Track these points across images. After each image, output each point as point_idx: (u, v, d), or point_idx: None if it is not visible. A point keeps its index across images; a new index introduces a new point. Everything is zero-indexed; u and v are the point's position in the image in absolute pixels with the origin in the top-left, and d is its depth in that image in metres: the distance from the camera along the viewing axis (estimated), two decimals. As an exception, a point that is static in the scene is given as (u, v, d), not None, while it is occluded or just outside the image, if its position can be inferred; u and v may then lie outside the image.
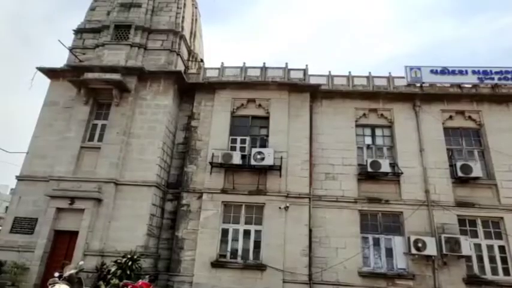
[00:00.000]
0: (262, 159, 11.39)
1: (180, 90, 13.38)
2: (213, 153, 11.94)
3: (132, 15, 13.92)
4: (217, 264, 10.85)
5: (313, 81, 13.23)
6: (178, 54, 13.60)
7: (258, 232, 11.28)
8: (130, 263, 9.45)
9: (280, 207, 11.27)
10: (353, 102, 13.02)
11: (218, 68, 13.80)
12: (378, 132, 12.96)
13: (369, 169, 11.60)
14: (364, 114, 12.96)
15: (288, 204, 11.29)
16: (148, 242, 10.91)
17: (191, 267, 10.93)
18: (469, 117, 12.75)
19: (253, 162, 11.49)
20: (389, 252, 11.25)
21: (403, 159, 12.12)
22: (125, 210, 10.94)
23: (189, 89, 13.43)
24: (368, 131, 12.97)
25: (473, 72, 13.10)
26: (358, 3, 54.21)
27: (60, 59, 47.37)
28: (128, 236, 10.57)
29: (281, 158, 11.65)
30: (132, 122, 12.19)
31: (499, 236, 11.20)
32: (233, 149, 12.13)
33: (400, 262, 11.07)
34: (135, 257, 9.65)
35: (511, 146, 12.00)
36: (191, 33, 15.81)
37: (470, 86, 13.12)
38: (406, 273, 10.84)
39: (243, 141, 12.24)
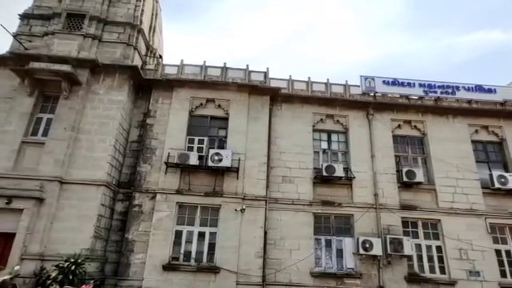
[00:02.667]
0: (220, 160, 11.29)
1: (136, 86, 12.85)
2: (169, 153, 11.60)
3: (87, 4, 13.11)
4: (170, 267, 10.53)
5: (273, 84, 13.40)
6: (135, 49, 13.06)
7: (213, 234, 11.14)
8: (73, 267, 8.83)
9: (236, 209, 11.23)
10: (311, 107, 13.37)
11: (177, 65, 13.45)
12: (334, 137, 13.43)
13: (324, 173, 11.98)
14: (322, 120, 13.36)
15: (244, 207, 11.29)
16: (95, 245, 10.29)
17: (141, 270, 10.50)
18: (415, 126, 13.66)
19: (210, 163, 11.34)
20: (339, 253, 11.68)
21: (356, 164, 12.67)
22: (70, 211, 10.22)
23: (146, 85, 12.93)
24: (324, 136, 13.40)
25: (420, 85, 14.09)
26: (323, 13, 56.10)
27: (2, 46, 43.33)
28: (72, 238, 9.89)
29: (239, 159, 11.63)
30: (82, 116, 11.46)
31: (436, 236, 12.12)
32: (190, 149, 11.88)
33: (349, 262, 11.54)
34: (79, 260, 9.04)
35: (449, 155, 13.04)
36: (150, 27, 15.27)
37: (416, 97, 14.07)
38: (354, 272, 11.33)
39: (200, 142, 12.04)
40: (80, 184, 10.57)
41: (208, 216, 11.39)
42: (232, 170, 11.51)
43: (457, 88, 14.14)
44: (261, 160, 12.03)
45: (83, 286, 8.32)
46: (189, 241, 11.05)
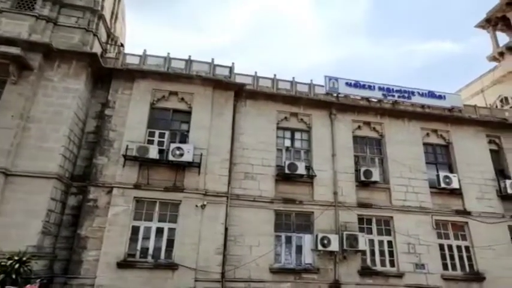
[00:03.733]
0: (181, 155, 11.03)
1: (95, 74, 12.17)
2: (127, 146, 11.13)
3: (40, -18, 12.17)
4: (125, 264, 10.14)
5: (238, 80, 13.28)
6: (95, 35, 12.35)
7: (172, 230, 10.88)
8: (17, 265, 8.19)
9: (197, 205, 11.05)
10: (276, 105, 13.44)
11: (140, 56, 12.90)
12: (297, 135, 13.63)
13: (286, 171, 12.13)
14: (286, 118, 13.48)
15: (205, 203, 11.13)
16: (43, 241, 9.64)
17: (94, 268, 10.00)
18: (374, 128, 14.23)
19: (171, 158, 11.05)
20: (299, 249, 11.92)
21: (318, 163, 12.96)
22: (16, 205, 9.47)
23: (106, 74, 12.29)
24: (288, 134, 13.56)
25: (379, 88, 14.69)
26: (291, 14, 56.95)
27: None
28: (17, 235, 9.16)
29: (201, 155, 11.43)
30: (32, 104, 10.64)
31: (388, 232, 12.77)
32: (150, 142, 11.50)
33: (308, 258, 11.82)
34: (25, 258, 8.40)
35: (403, 156, 13.76)
36: (112, 14, 14.52)
37: (376, 100, 14.65)
38: (312, 267, 11.63)
39: (161, 135, 11.68)
40: (29, 177, 9.82)
41: (167, 211, 11.10)
42: (194, 165, 11.30)
43: (413, 93, 14.93)
44: (223, 156, 11.92)
45: (28, 286, 7.79)
46: (146, 237, 10.71)
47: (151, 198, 11.04)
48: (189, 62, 13.17)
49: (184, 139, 12.00)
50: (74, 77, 11.32)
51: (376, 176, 12.89)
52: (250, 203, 11.86)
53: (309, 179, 12.66)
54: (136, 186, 10.97)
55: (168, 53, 13.05)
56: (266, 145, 12.75)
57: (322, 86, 14.20)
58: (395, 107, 14.65)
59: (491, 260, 12.83)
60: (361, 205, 12.75)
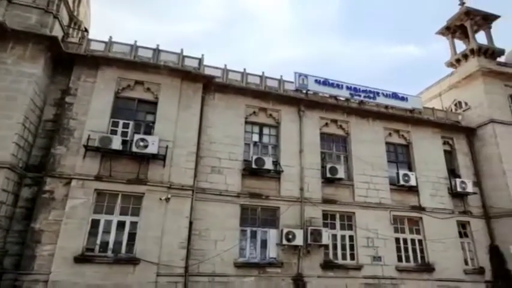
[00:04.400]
0: (146, 146, 10.70)
1: (55, 59, 11.44)
2: (89, 135, 10.61)
3: (-7, -46, 11.22)
4: (83, 259, 9.70)
5: (208, 72, 13.03)
6: (55, 17, 11.59)
7: (134, 224, 10.55)
8: (-40, 260, 7.61)
9: (161, 199, 10.78)
10: (245, 99, 13.38)
11: (105, 42, 12.31)
12: (265, 130, 13.68)
13: (254, 165, 12.15)
14: (254, 112, 13.46)
15: (169, 196, 10.88)
16: (-9, 235, 9.01)
17: (49, 263, 9.46)
18: (340, 126, 14.60)
19: (135, 149, 10.68)
20: (264, 244, 12.03)
21: (285, 159, 13.09)
22: (-39, 196, 8.77)
23: (67, 60, 11.57)
24: (256, 129, 13.57)
25: (347, 87, 15.09)
26: (264, 7, 57.03)
27: None
28: (-39, 228, 8.52)
29: (166, 147, 11.15)
30: (-18, 88, 9.86)
31: (350, 227, 13.23)
32: (114, 132, 11.03)
33: (272, 252, 11.96)
34: (-31, 253, 7.82)
35: (367, 154, 14.26)
36: (76, -4, 13.73)
37: (343, 99, 15.03)
38: (276, 261, 11.78)
39: (126, 126, 11.25)
40: (-24, 166, 9.12)
41: (130, 204, 10.74)
42: (159, 158, 11.00)
43: (378, 94, 15.49)
44: (190, 149, 11.70)
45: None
46: (106, 231, 10.31)
47: (113, 191, 10.63)
48: (157, 51, 12.76)
49: (149, 130, 11.64)
50: (30, 60, 10.59)
51: (341, 173, 13.27)
52: (217, 197, 11.77)
53: (276, 174, 12.77)
54: (98, 178, 10.51)
55: (135, 41, 12.59)
56: (234, 139, 12.68)
57: (292, 82, 14.34)
58: (361, 106, 15.11)
59: (441, 252, 13.74)
60: (326, 201, 13.07)
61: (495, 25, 18.60)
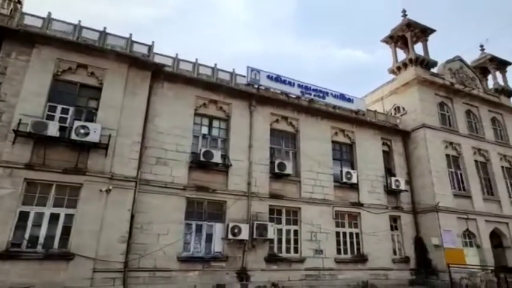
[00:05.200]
0: (87, 134, 9.99)
1: (-21, 31, 10.20)
2: (20, 120, 9.62)
3: None
4: (7, 255, 8.80)
5: (158, 60, 12.49)
6: (-18, -16, 10.34)
7: (69, 216, 9.81)
8: None
9: (101, 190, 10.15)
10: (195, 90, 13.08)
11: (43, 18, 11.20)
12: (215, 123, 13.53)
13: (202, 158, 11.95)
14: (205, 104, 13.23)
15: (110, 187, 10.28)
16: None
17: (-35, 261, 8.48)
18: (290, 123, 14.96)
19: (74, 137, 9.91)
20: (209, 238, 11.94)
21: (234, 153, 13.08)
22: None
23: (-4, 33, 10.40)
24: (206, 121, 13.36)
25: (299, 85, 15.47)
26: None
27: None
28: None
29: (109, 135, 10.48)
30: None
31: (295, 222, 13.66)
32: (50, 118, 10.18)
33: (218, 246, 11.93)
34: None
35: (314, 152, 14.82)
36: (9, -37, 12.33)
37: (294, 96, 15.40)
38: (221, 255, 11.77)
39: (65, 111, 10.45)
40: None
41: (65, 196, 9.97)
42: (101, 147, 10.33)
43: (327, 94, 16.11)
44: (135, 138, 11.14)
45: None
46: (37, 224, 9.47)
47: (47, 181, 9.79)
48: (103, 34, 11.96)
49: (91, 117, 10.88)
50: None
51: (289, 169, 13.59)
52: (161, 189, 11.39)
53: (224, 168, 12.71)
54: (29, 167, 9.59)
55: (79, 21, 11.66)
56: (182, 130, 12.36)
57: (244, 76, 14.33)
58: (311, 104, 15.61)
59: (374, 244, 14.83)
60: (274, 196, 13.32)
61: (431, 38, 20.35)
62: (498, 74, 22.56)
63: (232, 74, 14.17)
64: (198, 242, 11.77)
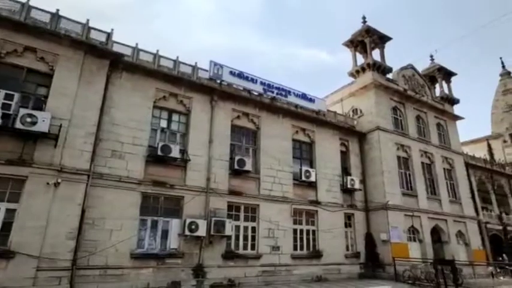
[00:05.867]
0: (34, 123, 9.28)
1: None
2: (-46, 104, 8.74)
3: None
4: None
5: (116, 49, 11.92)
6: None
7: (11, 211, 9.06)
8: None
9: (48, 183, 9.48)
10: (155, 82, 12.66)
11: (-15, -6, 10.26)
12: (175, 117, 13.20)
13: (159, 152, 11.63)
14: (164, 97, 12.85)
15: (59, 180, 9.64)
16: None
17: None
18: (252, 120, 15.01)
19: (19, 126, 9.16)
20: (165, 234, 11.68)
21: (193, 148, 12.86)
22: None
23: None
24: (165, 115, 13.00)
25: (261, 82, 15.57)
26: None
27: None
28: None
29: (60, 126, 9.81)
30: None
31: (254, 219, 13.77)
32: (-9, 104, 9.32)
33: (174, 243, 11.69)
34: None
35: (275, 149, 15.03)
36: None
37: (257, 93, 15.47)
38: (177, 252, 11.56)
39: (9, 97, 9.57)
40: None
41: (7, 189, 9.20)
42: (50, 137, 9.63)
43: (289, 92, 16.39)
44: (88, 130, 10.55)
45: None
46: (-28, 220, 8.68)
47: (-15, 172, 8.98)
48: (56, 16, 11.13)
49: (40, 105, 10.13)
50: None
51: (248, 166, 13.66)
52: (116, 183, 10.92)
53: (182, 163, 12.47)
54: (-37, 157, 8.74)
55: (28, 0, 10.75)
56: (139, 123, 11.91)
57: (207, 70, 14.12)
58: (273, 102, 15.78)
59: (328, 240, 15.43)
60: (232, 193, 13.31)
61: (387, 45, 21.44)
62: (444, 83, 24.41)
63: (195, 68, 13.89)
64: (153, 239, 11.45)
